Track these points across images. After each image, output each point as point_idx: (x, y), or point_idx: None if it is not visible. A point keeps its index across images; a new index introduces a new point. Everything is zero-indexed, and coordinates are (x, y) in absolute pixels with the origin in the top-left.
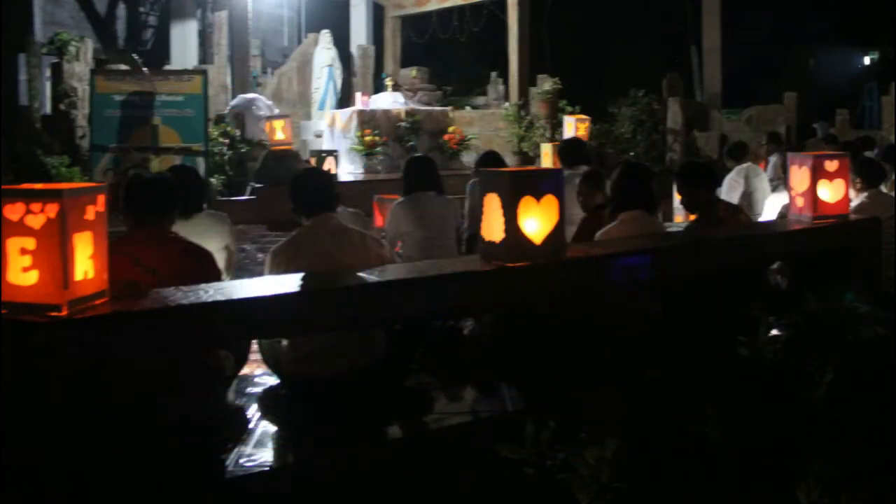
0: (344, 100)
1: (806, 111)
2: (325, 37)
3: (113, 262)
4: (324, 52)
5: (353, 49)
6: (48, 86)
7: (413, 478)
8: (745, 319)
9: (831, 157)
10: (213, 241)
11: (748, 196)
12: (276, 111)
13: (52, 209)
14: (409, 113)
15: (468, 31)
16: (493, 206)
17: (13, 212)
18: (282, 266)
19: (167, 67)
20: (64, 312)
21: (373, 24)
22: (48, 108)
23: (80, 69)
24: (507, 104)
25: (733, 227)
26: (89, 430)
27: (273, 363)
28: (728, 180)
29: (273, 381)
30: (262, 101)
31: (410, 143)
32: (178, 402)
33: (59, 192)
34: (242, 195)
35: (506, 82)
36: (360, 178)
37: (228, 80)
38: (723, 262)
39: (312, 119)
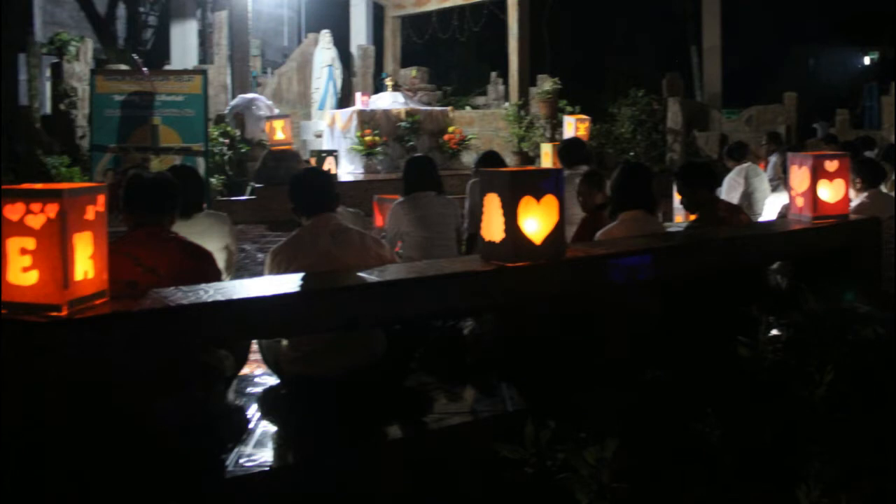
0: (344, 100)
1: (806, 111)
2: (325, 37)
3: (113, 262)
4: (324, 52)
5: (353, 49)
6: (48, 86)
7: (413, 478)
8: (745, 319)
9: (831, 157)
10: (213, 241)
11: (748, 196)
12: (276, 111)
13: (52, 209)
14: (409, 113)
15: (468, 31)
16: (493, 206)
17: (13, 212)
18: (282, 266)
19: (167, 67)
20: (64, 312)
21: (373, 24)
22: (48, 108)
23: (80, 69)
24: (507, 104)
25: (733, 227)
26: (89, 430)
27: (273, 363)
28: (728, 180)
29: (273, 381)
30: (262, 101)
31: (410, 143)
32: (178, 402)
33: (59, 192)
34: (242, 195)
35: (506, 82)
36: (360, 178)
37: (228, 80)
38: (723, 262)
39: (312, 119)
